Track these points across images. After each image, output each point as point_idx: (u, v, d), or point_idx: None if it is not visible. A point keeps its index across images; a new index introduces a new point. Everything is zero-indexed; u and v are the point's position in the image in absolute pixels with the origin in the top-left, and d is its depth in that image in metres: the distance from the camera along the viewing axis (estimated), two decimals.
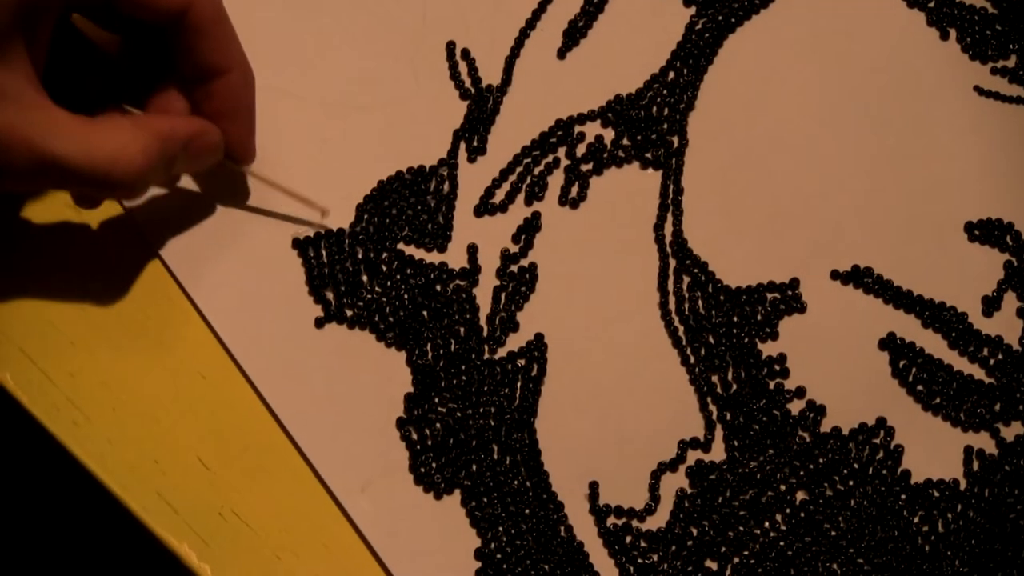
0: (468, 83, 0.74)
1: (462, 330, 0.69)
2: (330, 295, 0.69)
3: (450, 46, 0.74)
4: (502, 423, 0.67)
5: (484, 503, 0.66)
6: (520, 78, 0.74)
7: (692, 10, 0.76)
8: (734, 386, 0.69)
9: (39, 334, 0.67)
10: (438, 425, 0.67)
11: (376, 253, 0.70)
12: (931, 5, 0.77)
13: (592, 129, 0.73)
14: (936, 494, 0.68)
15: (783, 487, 0.67)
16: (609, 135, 0.73)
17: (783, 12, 0.77)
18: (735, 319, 0.70)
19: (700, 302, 0.70)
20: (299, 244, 0.70)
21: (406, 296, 0.69)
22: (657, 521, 0.67)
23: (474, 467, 0.67)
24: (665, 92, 0.74)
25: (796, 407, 0.69)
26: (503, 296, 0.70)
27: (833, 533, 0.67)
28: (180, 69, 0.65)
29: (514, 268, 0.70)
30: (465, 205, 0.71)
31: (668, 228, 0.72)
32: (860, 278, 0.71)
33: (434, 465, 0.67)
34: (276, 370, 0.68)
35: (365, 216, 0.70)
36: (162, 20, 0.63)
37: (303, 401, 0.67)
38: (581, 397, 0.68)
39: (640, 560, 0.66)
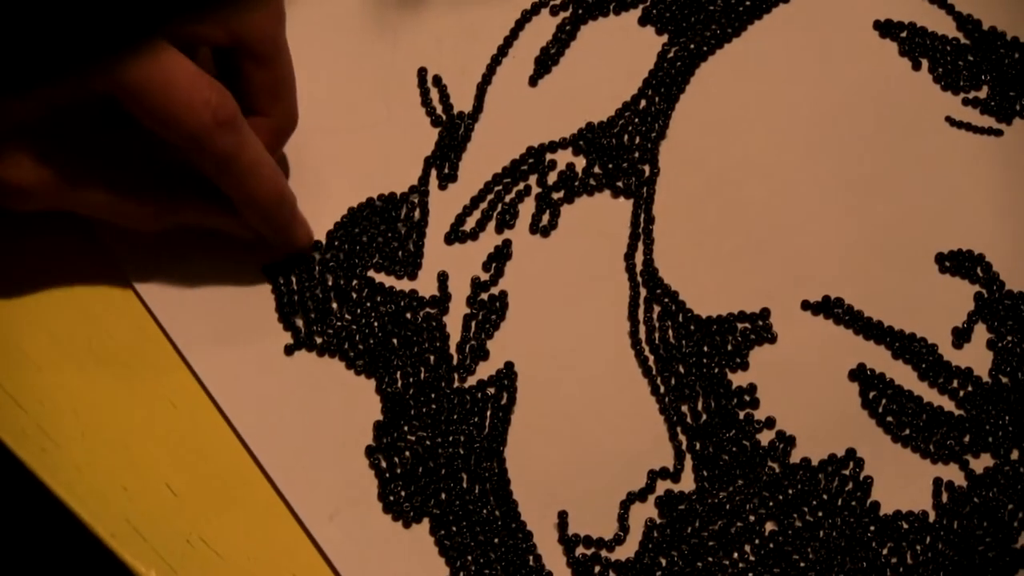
0: (439, 110, 0.74)
1: (432, 358, 0.69)
2: (300, 322, 0.69)
3: (421, 72, 0.74)
4: (471, 452, 0.67)
5: (453, 532, 0.66)
6: (492, 105, 0.74)
7: (664, 38, 0.76)
8: (704, 416, 0.69)
9: (8, 360, 0.67)
10: (407, 453, 0.67)
11: (346, 280, 0.70)
12: (903, 35, 0.77)
13: (563, 157, 0.73)
14: (905, 526, 0.68)
15: (752, 518, 0.67)
16: (580, 163, 0.73)
17: (755, 41, 0.77)
18: (705, 349, 0.70)
19: (670, 331, 0.70)
20: (269, 271, 0.69)
21: (376, 324, 0.69)
22: (626, 551, 0.67)
23: (443, 496, 0.67)
24: (637, 120, 0.74)
25: (766, 438, 0.69)
26: (473, 324, 0.70)
27: (802, 564, 0.67)
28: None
29: (484, 296, 0.70)
30: (436, 232, 0.71)
31: (639, 257, 0.72)
32: (831, 309, 0.71)
33: (403, 493, 0.66)
34: (245, 397, 0.68)
35: (335, 243, 0.70)
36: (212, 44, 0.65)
37: (272, 428, 0.67)
38: (551, 426, 0.68)
39: None
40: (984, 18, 0.77)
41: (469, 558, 0.66)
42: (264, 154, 0.65)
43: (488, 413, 0.68)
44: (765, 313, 0.71)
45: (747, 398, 0.69)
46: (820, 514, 0.67)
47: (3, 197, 0.63)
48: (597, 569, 0.66)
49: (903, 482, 0.69)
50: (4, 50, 0.52)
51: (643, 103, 0.75)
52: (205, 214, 0.67)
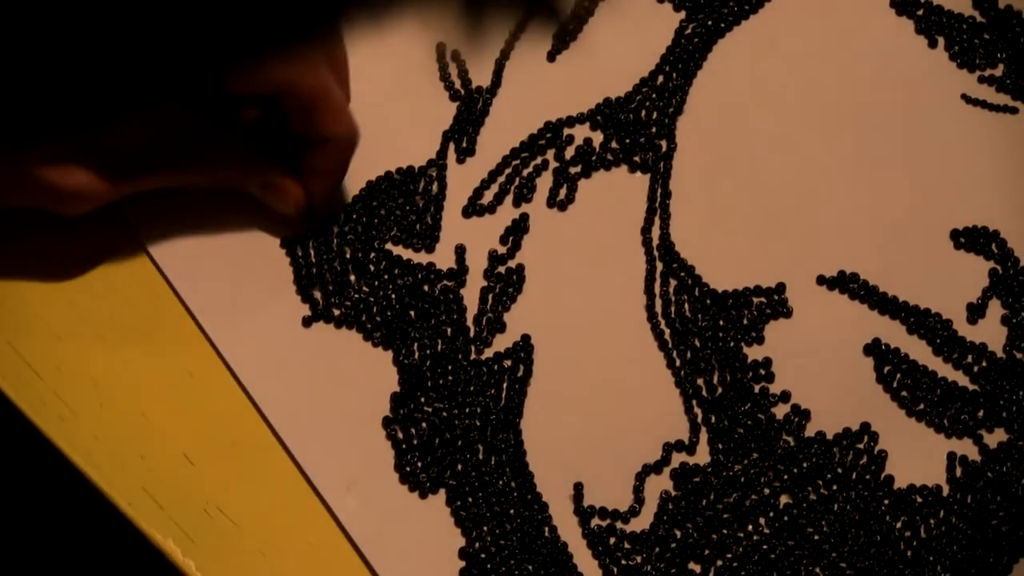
0: (458, 84, 0.74)
1: (449, 330, 0.69)
2: (318, 294, 0.69)
3: (440, 47, 0.75)
4: (488, 423, 0.67)
5: (469, 503, 0.66)
6: (510, 80, 0.74)
7: (682, 14, 0.76)
8: (719, 389, 0.69)
9: (27, 329, 0.67)
10: (424, 425, 0.67)
11: (364, 253, 0.70)
12: (920, 13, 0.77)
13: (581, 132, 0.74)
14: (919, 500, 0.68)
15: (767, 491, 0.67)
16: (598, 138, 0.74)
17: (772, 18, 0.77)
18: (721, 323, 0.70)
19: (686, 305, 0.71)
20: (288, 243, 0.70)
21: (393, 296, 0.69)
22: (641, 523, 0.67)
23: (459, 467, 0.67)
24: (654, 96, 0.74)
25: (781, 411, 0.69)
26: (490, 297, 0.70)
27: (816, 537, 0.67)
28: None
29: (501, 269, 0.71)
30: (453, 206, 0.72)
31: (655, 231, 0.72)
32: (846, 283, 0.71)
33: (419, 464, 0.67)
34: (263, 368, 0.68)
35: (353, 216, 0.70)
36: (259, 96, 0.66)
37: (290, 399, 0.67)
38: (567, 398, 0.69)
39: (624, 562, 0.66)
40: None
41: (485, 529, 0.66)
42: (344, 98, 0.68)
43: (504, 385, 0.68)
44: (781, 288, 0.71)
45: (762, 372, 0.70)
46: (834, 487, 0.68)
47: (60, 203, 0.64)
48: (612, 540, 0.66)
49: (917, 456, 0.69)
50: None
51: (660, 79, 0.75)
52: (248, 177, 0.68)
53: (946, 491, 0.68)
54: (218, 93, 0.65)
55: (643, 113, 0.74)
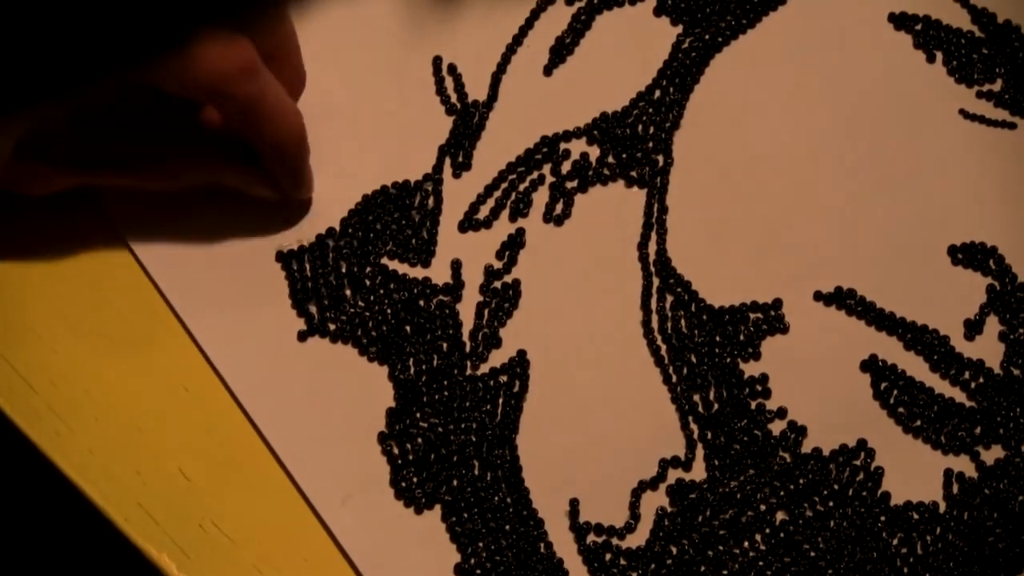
0: (454, 98, 0.74)
1: (445, 345, 0.69)
2: (313, 309, 0.69)
3: (436, 61, 0.74)
4: (483, 439, 0.67)
5: (464, 518, 0.66)
6: (506, 94, 0.74)
7: (679, 29, 0.76)
8: (716, 406, 0.69)
9: (22, 342, 0.67)
10: (419, 440, 0.67)
11: (360, 267, 0.70)
12: (918, 28, 0.77)
13: (577, 146, 0.74)
14: (915, 516, 0.68)
15: (763, 507, 0.67)
16: (594, 153, 0.73)
17: (770, 32, 0.77)
18: (718, 339, 0.70)
19: (683, 321, 0.70)
20: (283, 257, 0.70)
21: (389, 311, 0.69)
22: (637, 539, 0.67)
23: (455, 482, 0.67)
24: (651, 110, 0.74)
25: (777, 427, 0.69)
26: (486, 312, 0.70)
27: (812, 554, 0.67)
28: None
29: (498, 284, 0.70)
30: (449, 220, 0.72)
31: (652, 247, 0.72)
32: (843, 299, 0.71)
33: (415, 480, 0.67)
34: (258, 383, 0.68)
35: (349, 230, 0.70)
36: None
37: (285, 414, 0.67)
38: (563, 414, 0.68)
39: None
40: (999, 12, 0.77)
41: (480, 545, 0.66)
42: (285, 97, 0.65)
43: (500, 401, 0.68)
44: (777, 303, 0.71)
45: (759, 388, 0.69)
46: (831, 504, 0.67)
47: (25, 183, 0.64)
48: (608, 557, 0.66)
49: (914, 473, 0.69)
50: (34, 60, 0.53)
51: (658, 93, 0.75)
52: (220, 170, 0.68)
53: (943, 508, 0.68)
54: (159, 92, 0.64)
55: (640, 128, 0.74)
